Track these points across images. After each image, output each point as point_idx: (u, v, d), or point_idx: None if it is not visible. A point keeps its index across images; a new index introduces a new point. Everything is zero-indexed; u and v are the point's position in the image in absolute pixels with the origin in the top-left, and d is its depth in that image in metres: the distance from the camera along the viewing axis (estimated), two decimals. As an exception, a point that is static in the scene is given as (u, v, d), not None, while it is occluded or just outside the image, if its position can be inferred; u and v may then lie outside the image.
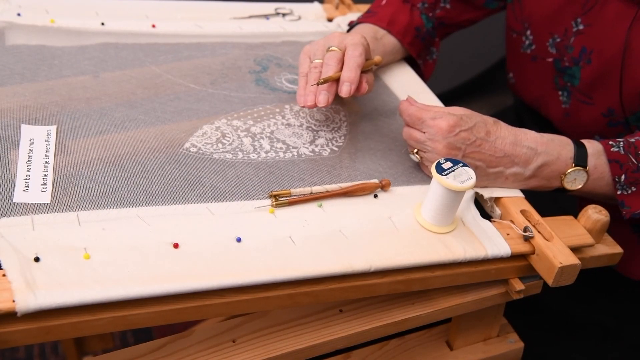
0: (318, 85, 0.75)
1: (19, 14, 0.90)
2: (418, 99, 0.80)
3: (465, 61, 2.19)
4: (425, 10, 0.98)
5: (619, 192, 0.76)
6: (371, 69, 0.83)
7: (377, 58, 0.86)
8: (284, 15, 1.06)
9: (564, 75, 0.92)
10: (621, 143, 0.76)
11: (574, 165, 0.76)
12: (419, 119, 0.74)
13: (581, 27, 0.87)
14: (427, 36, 0.98)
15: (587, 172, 0.76)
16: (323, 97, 0.75)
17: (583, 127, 0.91)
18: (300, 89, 0.78)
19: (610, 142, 0.77)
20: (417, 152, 0.77)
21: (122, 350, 0.69)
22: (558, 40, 0.90)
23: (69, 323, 0.55)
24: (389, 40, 0.93)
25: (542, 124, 1.02)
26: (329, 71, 0.76)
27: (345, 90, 0.75)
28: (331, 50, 0.78)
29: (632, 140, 0.77)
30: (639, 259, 0.90)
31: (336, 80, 0.76)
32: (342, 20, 1.06)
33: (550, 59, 0.93)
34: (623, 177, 0.76)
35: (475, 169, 0.74)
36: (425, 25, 0.97)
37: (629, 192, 0.76)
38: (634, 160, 0.75)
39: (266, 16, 1.05)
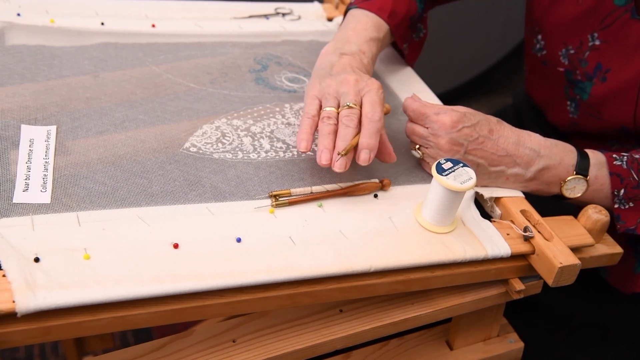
0: (341, 155, 0.68)
1: (18, 14, 0.90)
2: (418, 98, 0.79)
3: (465, 61, 2.19)
4: None
5: (616, 206, 0.76)
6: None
7: (386, 107, 0.79)
8: (284, 15, 1.06)
9: (574, 87, 0.91)
10: (625, 157, 0.76)
11: (575, 172, 0.76)
12: (423, 114, 0.74)
13: (597, 42, 0.85)
14: (416, 21, 0.94)
15: (587, 181, 0.76)
16: (341, 163, 0.68)
17: (592, 136, 0.91)
18: (303, 131, 0.71)
19: (614, 155, 0.77)
20: (419, 148, 0.77)
21: (122, 350, 0.69)
22: (572, 52, 0.89)
23: (69, 323, 0.55)
24: (386, 35, 0.88)
25: (543, 125, 1.02)
26: (348, 134, 0.69)
27: (363, 158, 0.69)
28: (349, 107, 0.71)
29: (637, 156, 0.76)
30: (631, 271, 0.89)
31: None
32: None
33: (561, 69, 0.92)
34: (622, 191, 0.75)
35: (477, 167, 0.74)
36: (417, 10, 0.92)
37: (626, 207, 0.76)
38: (635, 176, 0.75)
39: (266, 16, 1.05)
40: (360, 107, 0.72)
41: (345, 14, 0.92)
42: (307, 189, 0.71)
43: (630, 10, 0.82)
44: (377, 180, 0.74)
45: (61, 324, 0.55)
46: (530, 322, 0.95)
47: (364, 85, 0.73)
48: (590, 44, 0.86)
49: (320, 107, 0.73)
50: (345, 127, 0.70)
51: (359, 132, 0.70)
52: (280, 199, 0.70)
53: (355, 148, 0.70)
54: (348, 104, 0.71)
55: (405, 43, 0.94)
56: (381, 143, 0.73)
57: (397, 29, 0.89)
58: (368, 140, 0.69)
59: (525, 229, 0.71)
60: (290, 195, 0.70)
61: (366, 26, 0.85)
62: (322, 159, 0.68)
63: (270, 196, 0.70)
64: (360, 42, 0.82)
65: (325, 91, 0.74)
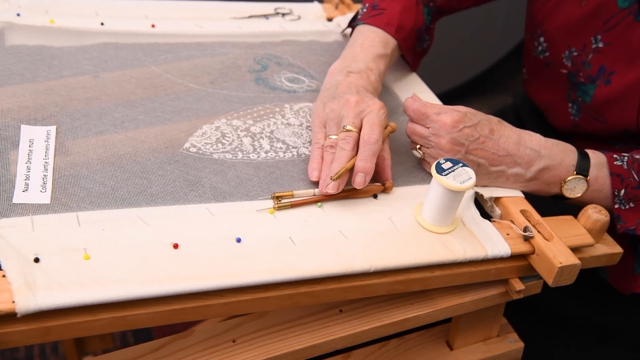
0: (333, 180, 0.69)
1: (18, 14, 0.90)
2: (418, 99, 0.79)
3: (465, 61, 2.19)
4: (427, 0, 0.94)
5: (616, 206, 0.76)
6: (387, 137, 0.77)
7: (392, 125, 0.78)
8: (283, 15, 1.06)
9: (577, 90, 0.90)
10: (625, 158, 0.76)
11: (575, 173, 0.76)
12: (424, 114, 0.74)
13: (600, 44, 0.85)
14: (423, 32, 0.95)
15: (587, 181, 0.76)
16: (333, 187, 0.69)
17: (594, 137, 0.91)
18: (313, 161, 0.73)
19: (615, 156, 0.77)
20: (419, 148, 0.77)
21: (122, 350, 0.69)
22: (575, 54, 0.89)
23: (69, 323, 0.55)
24: (394, 50, 0.88)
25: (543, 126, 1.02)
26: (343, 157, 0.70)
27: (358, 181, 0.70)
28: (347, 130, 0.72)
29: (638, 156, 0.76)
30: (630, 272, 0.89)
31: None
32: (342, 20, 1.06)
33: (564, 71, 0.92)
34: (623, 191, 0.75)
35: (478, 166, 0.75)
36: (424, 23, 0.93)
37: (627, 207, 0.76)
38: (635, 176, 0.75)
39: (266, 16, 1.05)
40: (361, 129, 0.73)
41: (352, 29, 0.92)
42: (309, 191, 0.71)
43: (633, 13, 0.81)
44: (379, 184, 0.74)
45: (61, 324, 0.55)
46: (530, 322, 0.95)
47: (365, 106, 0.74)
48: (594, 46, 0.86)
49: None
50: (340, 150, 0.71)
51: (356, 154, 0.71)
52: (283, 201, 0.69)
53: (351, 170, 0.71)
54: (345, 127, 0.72)
55: (410, 53, 0.94)
56: (381, 168, 0.74)
57: (404, 43, 0.89)
58: (363, 164, 0.70)
59: (525, 229, 0.71)
60: (293, 196, 0.70)
61: (373, 42, 0.85)
62: (322, 187, 0.70)
63: (273, 197, 0.70)
64: (367, 59, 0.82)
65: (329, 117, 0.75)
